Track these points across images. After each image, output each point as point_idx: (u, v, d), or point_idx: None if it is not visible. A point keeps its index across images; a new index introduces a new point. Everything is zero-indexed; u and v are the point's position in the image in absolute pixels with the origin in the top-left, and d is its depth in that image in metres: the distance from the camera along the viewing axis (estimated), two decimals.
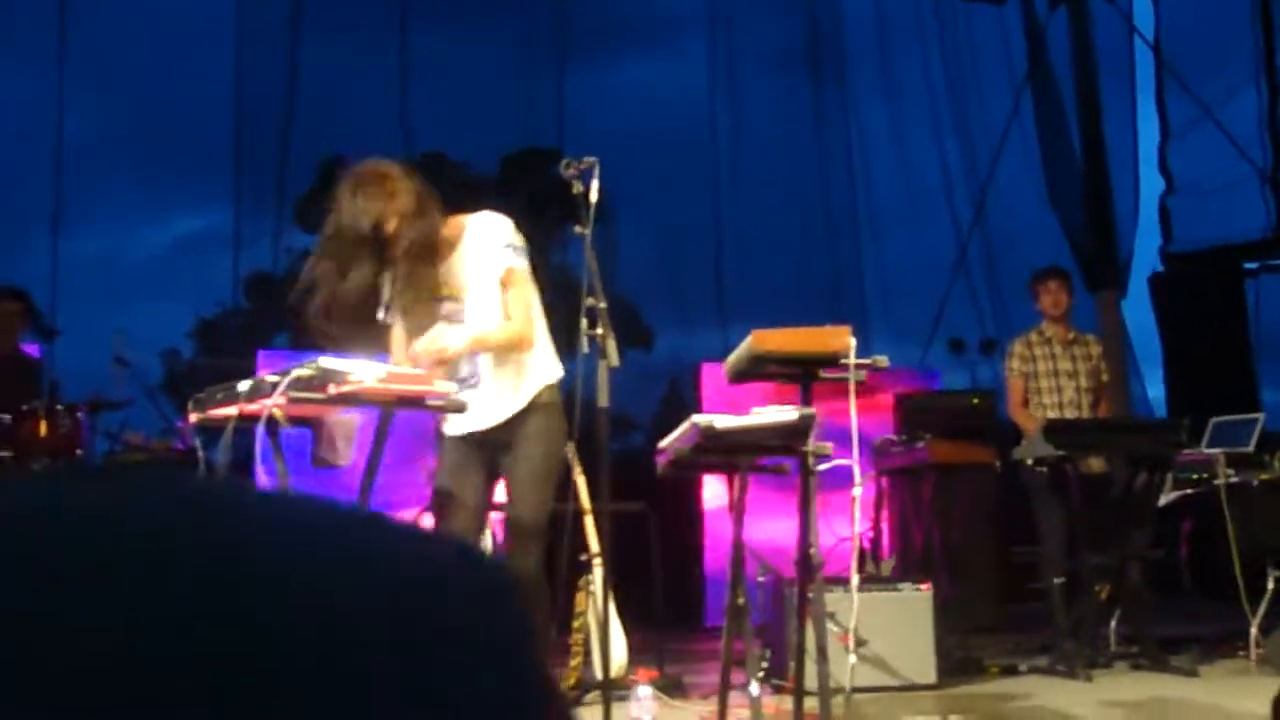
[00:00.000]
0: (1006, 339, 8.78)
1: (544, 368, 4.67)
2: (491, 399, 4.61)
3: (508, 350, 4.54)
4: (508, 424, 4.58)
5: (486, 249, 4.56)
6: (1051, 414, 7.57)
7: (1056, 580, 7.15)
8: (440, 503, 4.68)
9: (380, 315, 4.65)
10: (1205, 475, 8.24)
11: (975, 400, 9.49)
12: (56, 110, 13.37)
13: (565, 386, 4.72)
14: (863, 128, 16.22)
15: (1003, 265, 14.50)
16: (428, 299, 4.54)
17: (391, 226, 4.39)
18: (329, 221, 4.45)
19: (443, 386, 4.22)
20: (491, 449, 4.62)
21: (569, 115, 14.87)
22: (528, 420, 4.58)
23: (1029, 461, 7.13)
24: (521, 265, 4.54)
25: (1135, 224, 14.48)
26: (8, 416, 7.58)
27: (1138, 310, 14.31)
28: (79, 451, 8.01)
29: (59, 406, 7.83)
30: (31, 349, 8.82)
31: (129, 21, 16.54)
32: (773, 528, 8.40)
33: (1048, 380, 7.72)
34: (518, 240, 4.55)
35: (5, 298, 8.54)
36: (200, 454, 5.33)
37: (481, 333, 4.49)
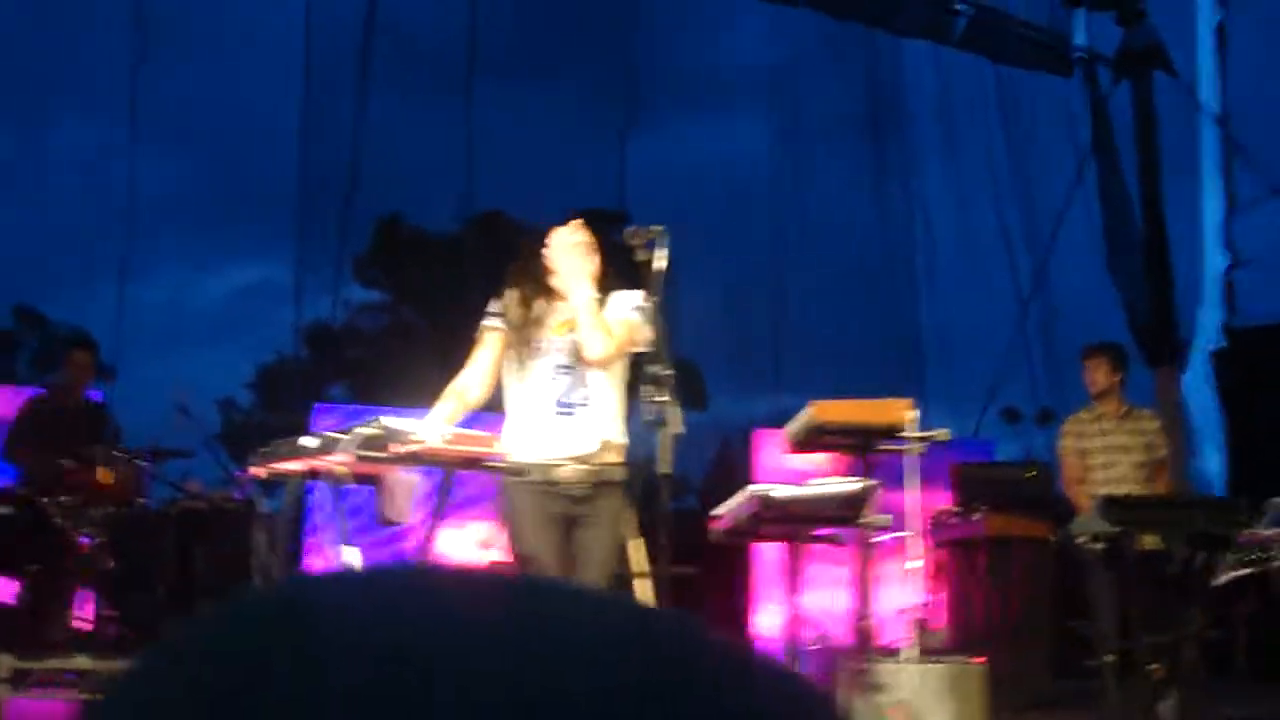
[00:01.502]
0: (1063, 411, 8.72)
1: (623, 431, 4.87)
2: (584, 436, 4.75)
3: (597, 341, 4.72)
4: (589, 496, 4.71)
5: (618, 307, 4.86)
6: (1104, 490, 7.50)
7: (1109, 658, 7.07)
8: (525, 569, 4.72)
9: (489, 323, 4.97)
10: (1264, 556, 8.13)
11: (1032, 473, 9.43)
12: (128, 161, 13.58)
13: (628, 452, 4.84)
14: (923, 193, 16.21)
15: (1062, 337, 14.42)
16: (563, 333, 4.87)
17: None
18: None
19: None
20: (567, 522, 4.74)
21: (631, 176, 14.98)
22: (606, 500, 4.74)
23: (1083, 537, 7.07)
24: (638, 321, 4.78)
25: (1198, 299, 14.37)
26: (72, 462, 7.67)
27: (1197, 386, 14.17)
28: (140, 499, 8.11)
29: (121, 454, 7.92)
30: (95, 395, 8.92)
31: (201, 77, 16.83)
32: (825, 592, 8.36)
33: (1101, 456, 7.67)
34: (647, 307, 4.74)
35: (78, 347, 8.67)
36: (258, 506, 5.37)
37: (596, 310, 4.75)
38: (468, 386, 4.96)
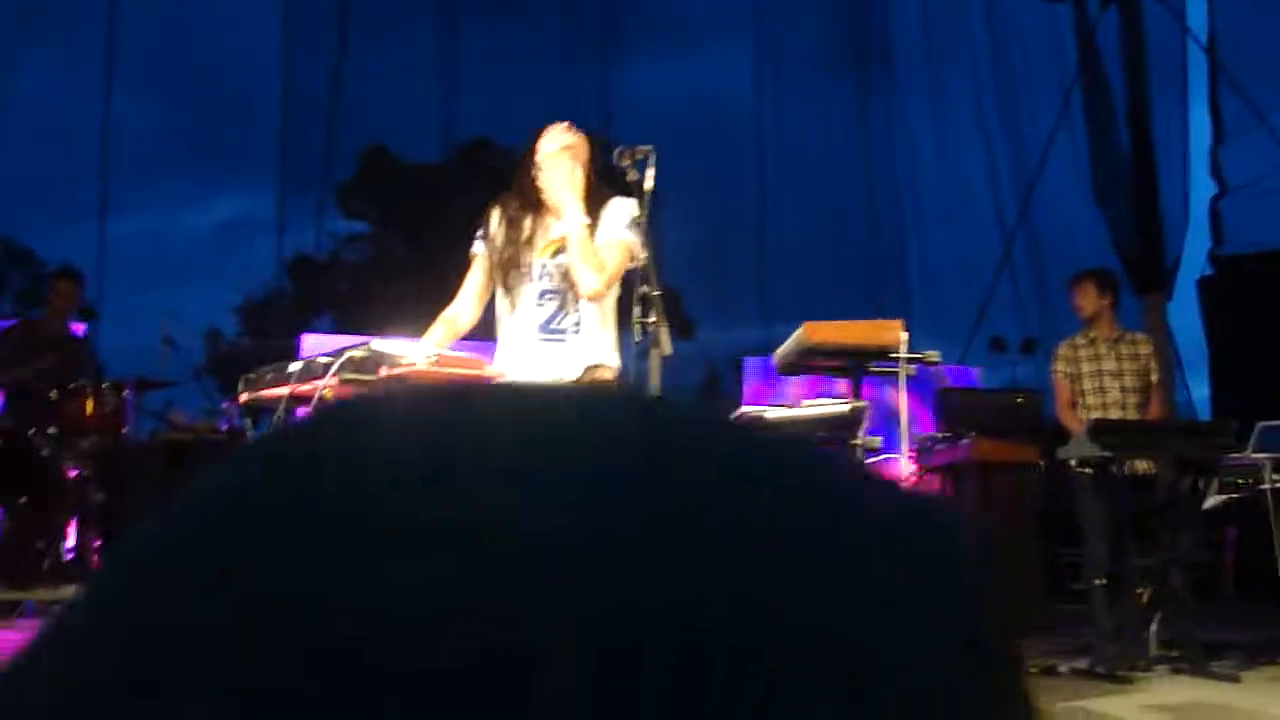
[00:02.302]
0: (1049, 339, 8.71)
1: (615, 354, 4.74)
2: (572, 362, 4.65)
3: (590, 276, 4.56)
4: None
5: (612, 222, 4.65)
6: (1095, 414, 7.50)
7: (1098, 581, 7.08)
8: None
9: (476, 248, 4.85)
10: (1251, 480, 8.16)
11: (1019, 399, 9.43)
12: (105, 95, 13.46)
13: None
14: (908, 123, 16.14)
15: (1048, 265, 14.39)
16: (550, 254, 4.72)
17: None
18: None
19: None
20: None
21: (615, 105, 14.90)
22: None
23: (1073, 462, 7.07)
24: (631, 239, 4.59)
25: (1185, 227, 14.34)
26: (56, 393, 7.64)
27: (1184, 313, 14.20)
28: (124, 430, 8.08)
29: (105, 385, 7.88)
30: (77, 328, 8.88)
31: (179, 8, 16.63)
32: None
33: (1092, 381, 7.66)
34: (641, 221, 4.58)
35: (62, 277, 8.62)
36: (247, 434, 5.33)
37: (587, 240, 4.58)
38: (458, 313, 4.84)
